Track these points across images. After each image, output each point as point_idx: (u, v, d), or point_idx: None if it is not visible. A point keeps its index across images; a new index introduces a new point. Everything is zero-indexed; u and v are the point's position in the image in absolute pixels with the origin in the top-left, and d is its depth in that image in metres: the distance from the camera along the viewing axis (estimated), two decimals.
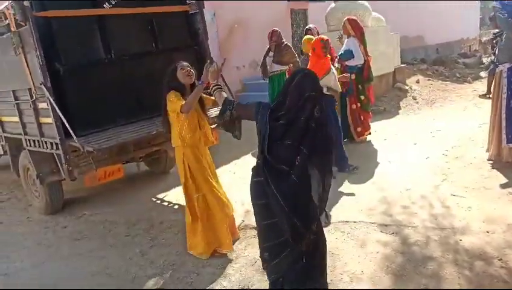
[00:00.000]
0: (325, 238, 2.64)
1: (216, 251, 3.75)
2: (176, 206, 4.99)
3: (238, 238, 3.95)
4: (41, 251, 4.29)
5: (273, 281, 2.64)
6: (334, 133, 4.99)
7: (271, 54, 6.71)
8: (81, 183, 4.65)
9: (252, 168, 2.61)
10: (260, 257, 2.70)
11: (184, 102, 3.41)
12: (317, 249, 2.56)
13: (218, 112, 2.83)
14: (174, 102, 3.44)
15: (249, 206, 4.52)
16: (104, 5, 4.73)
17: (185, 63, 3.57)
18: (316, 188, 2.42)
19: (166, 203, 5.19)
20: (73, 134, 4.10)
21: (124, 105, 4.77)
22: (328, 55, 5.42)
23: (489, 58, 7.81)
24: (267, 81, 6.96)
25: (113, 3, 4.77)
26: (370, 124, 6.80)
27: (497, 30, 6.53)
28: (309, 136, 2.38)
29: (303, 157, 2.37)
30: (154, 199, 5.37)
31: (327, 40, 5.25)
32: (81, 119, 4.45)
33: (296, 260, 2.52)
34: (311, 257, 2.53)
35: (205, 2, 5.62)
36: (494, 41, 6.75)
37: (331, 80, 5.21)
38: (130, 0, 4.94)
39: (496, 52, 5.52)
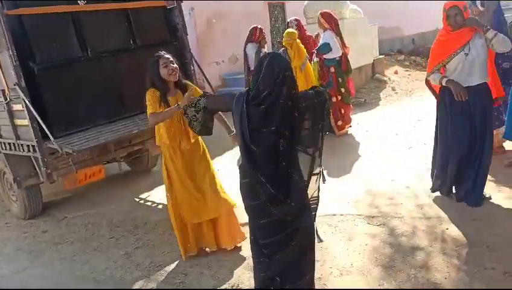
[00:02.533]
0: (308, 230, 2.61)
1: (202, 250, 3.67)
2: (160, 206, 4.90)
3: (244, 239, 3.69)
4: (21, 257, 4.15)
5: (264, 279, 2.60)
6: None
7: (263, 50, 6.59)
8: (61, 186, 4.53)
9: (239, 168, 2.56)
10: (253, 255, 2.65)
11: (153, 112, 3.22)
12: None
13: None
14: (148, 104, 3.28)
15: (238, 202, 4.52)
16: (79, 1, 4.59)
17: (167, 56, 3.33)
18: (305, 168, 2.48)
19: (150, 203, 5.10)
20: (50, 135, 3.97)
21: (104, 104, 4.65)
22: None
23: None
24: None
25: None
26: (351, 116, 6.82)
27: None
28: (289, 117, 2.36)
29: (287, 140, 2.36)
30: (138, 199, 5.26)
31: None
32: (59, 119, 4.33)
33: (294, 257, 2.51)
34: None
35: None
36: None
37: None
38: None
39: None
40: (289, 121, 2.37)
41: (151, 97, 3.28)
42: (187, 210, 3.53)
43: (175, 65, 3.34)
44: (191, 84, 3.56)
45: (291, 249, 2.51)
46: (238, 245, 3.67)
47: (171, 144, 3.45)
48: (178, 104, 3.14)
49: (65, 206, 5.29)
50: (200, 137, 3.54)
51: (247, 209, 2.59)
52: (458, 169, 3.82)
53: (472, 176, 3.77)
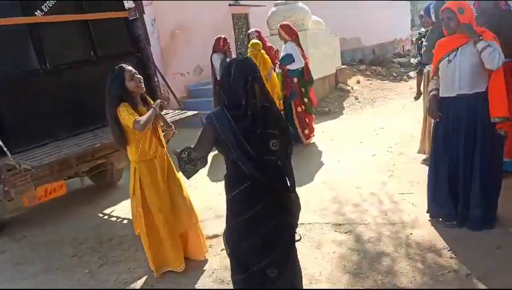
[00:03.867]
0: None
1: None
2: (125, 221, 4.78)
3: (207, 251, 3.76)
4: None
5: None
6: None
7: (228, 60, 6.57)
8: (19, 203, 4.33)
9: (225, 185, 2.49)
10: (241, 274, 2.52)
11: (137, 118, 3.10)
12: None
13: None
14: (125, 119, 3.13)
15: (203, 215, 4.48)
16: (36, 13, 4.46)
17: (130, 68, 3.24)
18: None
19: (114, 219, 4.96)
20: (7, 151, 3.81)
21: (64, 117, 4.51)
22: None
23: (416, 59, 7.94)
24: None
25: (46, 10, 4.50)
26: (314, 125, 6.93)
27: (423, 29, 6.60)
28: (270, 116, 2.38)
29: (276, 139, 2.37)
30: (101, 215, 5.11)
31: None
32: (17, 134, 4.17)
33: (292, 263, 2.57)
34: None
35: (145, 7, 5.47)
36: (420, 41, 6.76)
37: None
38: (65, 7, 4.69)
39: (422, 52, 5.45)
40: (275, 121, 2.40)
41: (126, 109, 3.14)
42: (164, 225, 3.42)
43: (140, 76, 3.28)
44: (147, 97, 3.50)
45: (290, 256, 2.55)
46: (202, 258, 3.65)
47: (149, 157, 3.35)
48: (153, 108, 3.17)
49: (25, 224, 5.07)
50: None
51: (236, 225, 2.47)
52: (449, 189, 3.55)
53: (462, 199, 3.52)
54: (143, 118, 3.13)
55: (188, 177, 2.53)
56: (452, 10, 3.27)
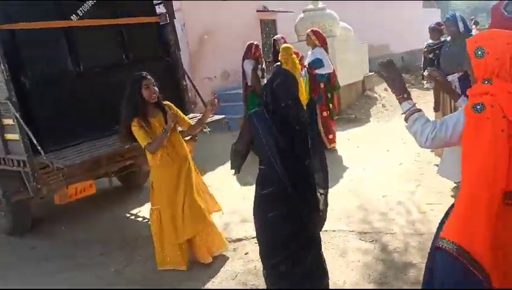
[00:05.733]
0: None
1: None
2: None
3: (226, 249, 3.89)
4: (9, 275, 4.05)
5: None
6: None
7: (259, 67, 6.60)
8: (51, 201, 4.46)
9: (257, 181, 2.68)
10: (271, 270, 2.71)
11: (149, 141, 3.34)
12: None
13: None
14: (138, 137, 3.37)
15: (228, 218, 4.51)
16: (72, 17, 4.59)
17: (148, 78, 3.42)
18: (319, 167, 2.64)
19: (140, 219, 5.05)
20: (41, 150, 3.93)
21: (96, 118, 4.61)
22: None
23: (425, 72, 7.42)
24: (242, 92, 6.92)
25: (81, 14, 4.64)
26: (340, 132, 6.90)
27: (431, 41, 6.20)
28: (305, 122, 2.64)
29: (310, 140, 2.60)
30: (128, 215, 5.21)
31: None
32: (50, 134, 4.27)
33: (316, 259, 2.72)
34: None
35: (175, 12, 5.56)
36: (431, 55, 5.91)
37: None
38: (99, 12, 4.81)
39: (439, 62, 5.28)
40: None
41: (137, 130, 3.36)
42: (169, 232, 3.60)
43: (156, 88, 3.44)
44: (170, 104, 3.68)
45: (314, 250, 2.69)
46: (224, 253, 3.77)
47: (167, 165, 3.54)
48: (165, 129, 3.36)
49: (55, 222, 5.21)
50: (187, 149, 3.74)
51: (263, 222, 2.66)
52: None
53: None
54: (154, 144, 3.36)
55: (234, 169, 2.79)
56: None
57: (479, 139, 1.76)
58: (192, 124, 3.89)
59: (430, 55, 5.90)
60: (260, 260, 2.83)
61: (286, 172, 2.49)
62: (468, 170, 1.81)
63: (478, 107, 1.78)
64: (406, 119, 2.08)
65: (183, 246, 3.67)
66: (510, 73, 1.79)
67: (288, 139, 2.53)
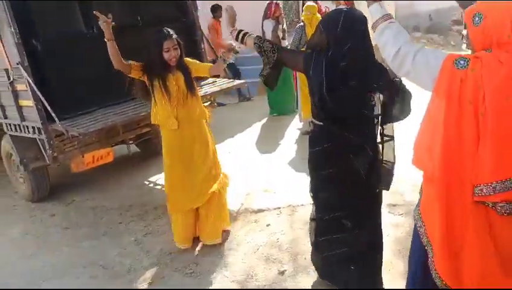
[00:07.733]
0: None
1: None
2: None
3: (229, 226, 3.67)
4: (28, 242, 4.03)
5: (346, 256, 2.50)
6: None
7: (280, 27, 6.24)
8: (69, 168, 4.38)
9: (310, 138, 2.49)
10: (325, 233, 2.53)
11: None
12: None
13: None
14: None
15: (249, 188, 4.36)
16: None
17: (172, 39, 3.16)
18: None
19: (159, 187, 4.94)
20: (55, 117, 3.80)
21: (110, 84, 4.42)
22: None
23: (464, 31, 7.01)
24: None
25: None
26: None
27: None
28: (371, 68, 2.30)
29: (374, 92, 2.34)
30: (147, 183, 5.12)
31: None
32: (65, 101, 4.13)
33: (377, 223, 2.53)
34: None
35: None
36: None
37: None
38: None
39: None
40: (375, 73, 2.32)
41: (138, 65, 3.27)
42: (173, 199, 3.45)
43: (178, 51, 3.21)
44: (188, 60, 3.38)
45: (375, 213, 2.51)
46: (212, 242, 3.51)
47: (169, 125, 3.31)
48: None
49: (74, 189, 5.15)
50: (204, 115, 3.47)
51: (315, 180, 2.51)
52: None
53: None
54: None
55: (269, 84, 2.58)
56: None
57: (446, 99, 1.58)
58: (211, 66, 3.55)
59: None
60: (310, 219, 2.71)
61: (330, 115, 2.30)
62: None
63: (462, 62, 1.57)
64: (373, 27, 1.86)
65: (187, 219, 3.48)
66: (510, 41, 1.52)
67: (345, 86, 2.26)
